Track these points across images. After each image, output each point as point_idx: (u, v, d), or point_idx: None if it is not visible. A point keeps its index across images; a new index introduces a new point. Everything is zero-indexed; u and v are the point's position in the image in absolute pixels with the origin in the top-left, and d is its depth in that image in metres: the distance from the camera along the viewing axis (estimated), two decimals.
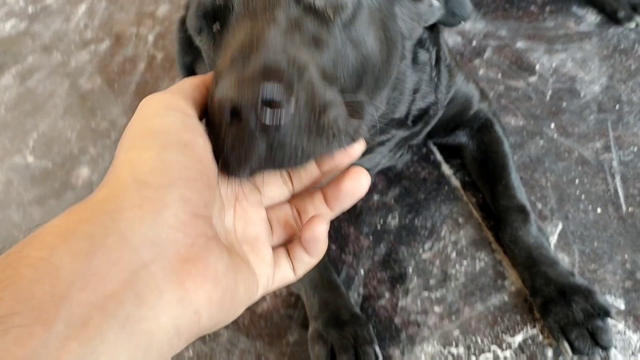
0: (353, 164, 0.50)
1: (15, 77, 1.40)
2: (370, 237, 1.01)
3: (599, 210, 0.97)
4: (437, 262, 0.96)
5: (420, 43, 0.78)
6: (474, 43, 1.24)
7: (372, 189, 1.06)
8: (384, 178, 1.07)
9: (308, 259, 0.49)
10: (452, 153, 1.08)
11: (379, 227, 1.02)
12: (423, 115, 0.87)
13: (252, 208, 0.49)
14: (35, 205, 1.15)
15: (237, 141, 0.42)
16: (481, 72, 1.18)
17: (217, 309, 0.38)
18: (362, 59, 0.57)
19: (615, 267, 0.91)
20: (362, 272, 0.97)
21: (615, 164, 1.01)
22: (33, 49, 1.45)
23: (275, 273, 0.47)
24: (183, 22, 0.72)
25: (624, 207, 0.97)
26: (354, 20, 0.57)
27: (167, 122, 0.40)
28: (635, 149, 1.02)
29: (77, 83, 1.36)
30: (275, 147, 0.42)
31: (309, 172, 0.51)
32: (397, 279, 0.95)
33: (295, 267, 0.49)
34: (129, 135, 0.41)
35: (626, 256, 0.92)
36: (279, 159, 0.43)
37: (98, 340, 0.31)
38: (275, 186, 0.51)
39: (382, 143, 0.87)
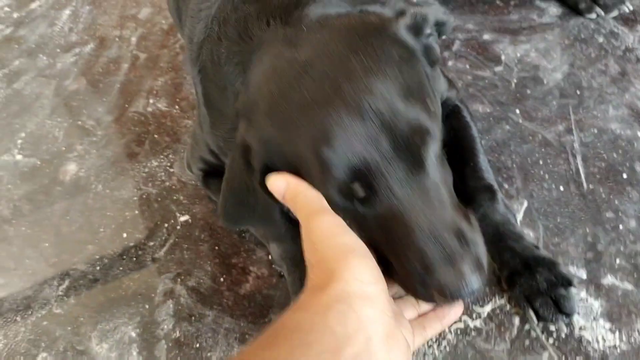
0: None
1: (2, 80, 1.44)
2: None
3: (561, 188, 1.03)
4: None
5: None
6: (443, 37, 1.29)
7: None
8: None
9: (439, 327, 0.72)
10: None
11: None
12: None
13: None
14: (24, 201, 1.19)
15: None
16: (450, 63, 1.24)
17: None
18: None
19: (577, 240, 0.97)
20: None
21: (576, 145, 1.07)
22: (19, 53, 1.49)
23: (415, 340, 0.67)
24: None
25: (585, 185, 1.02)
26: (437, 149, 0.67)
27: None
28: (595, 130, 1.09)
29: (62, 84, 1.40)
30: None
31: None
32: None
33: (427, 333, 0.71)
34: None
35: (587, 230, 0.97)
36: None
37: None
38: (410, 309, 0.72)
39: None
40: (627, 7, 1.24)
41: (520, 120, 1.12)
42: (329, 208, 0.63)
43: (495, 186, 0.99)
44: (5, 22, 1.59)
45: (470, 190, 1.00)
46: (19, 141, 1.30)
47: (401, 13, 0.71)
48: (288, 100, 0.64)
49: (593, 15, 1.25)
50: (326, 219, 0.61)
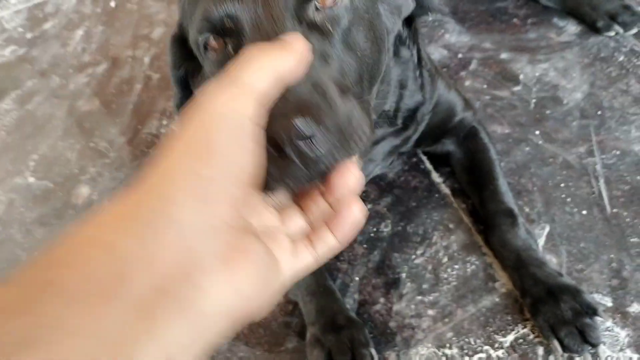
0: None
1: (15, 101, 1.44)
2: (364, 244, 1.04)
3: (584, 212, 1.00)
4: (430, 267, 0.99)
5: (400, 40, 0.84)
6: (460, 56, 1.28)
7: (365, 198, 1.09)
8: (376, 187, 1.10)
9: (333, 241, 0.52)
10: (441, 161, 1.11)
11: (372, 235, 1.04)
12: (412, 116, 0.93)
13: (264, 209, 0.52)
14: (37, 225, 1.18)
15: (279, 166, 0.48)
16: (467, 83, 1.22)
17: (258, 294, 0.42)
18: (359, 61, 0.63)
19: (602, 266, 0.94)
20: (357, 279, 1.00)
21: (598, 167, 1.05)
22: (32, 74, 1.49)
23: (297, 260, 0.51)
24: (176, 38, 0.76)
25: (608, 209, 1.00)
26: (349, 27, 0.63)
27: (228, 125, 0.42)
28: (618, 152, 1.06)
29: (75, 105, 1.40)
30: (311, 166, 0.48)
31: (321, 207, 0.54)
32: (391, 285, 0.98)
33: (317, 249, 0.52)
34: (187, 127, 0.42)
35: (612, 255, 0.95)
36: (314, 173, 0.49)
37: (160, 319, 0.34)
38: (296, 219, 0.54)
39: (376, 142, 0.90)
40: None
41: (541, 142, 1.10)
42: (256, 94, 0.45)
43: (516, 210, 0.97)
44: (19, 42, 1.59)
45: (489, 214, 0.98)
46: (32, 163, 1.30)
47: None
48: None
49: (612, 33, 1.23)
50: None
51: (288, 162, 0.48)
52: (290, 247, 0.50)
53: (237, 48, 0.60)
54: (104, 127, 1.33)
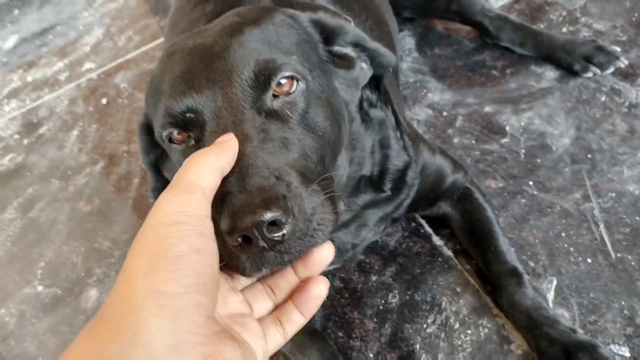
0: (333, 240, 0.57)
1: (17, 209, 1.46)
2: (375, 318, 1.03)
3: (589, 260, 1.00)
4: (443, 335, 0.98)
5: (370, 103, 0.85)
6: (445, 113, 1.30)
7: (370, 270, 1.09)
8: (379, 257, 1.10)
9: (300, 319, 0.56)
10: (440, 223, 1.11)
11: (381, 308, 1.04)
12: (402, 178, 0.92)
13: (230, 294, 0.54)
14: (49, 334, 1.18)
15: (247, 254, 0.51)
16: (456, 140, 1.24)
17: None
18: (320, 140, 0.65)
19: (615, 315, 0.93)
20: (371, 356, 0.99)
21: (596, 212, 1.05)
22: (32, 180, 1.52)
23: (267, 342, 0.53)
24: (143, 126, 0.78)
25: (612, 254, 0.99)
26: (306, 110, 0.64)
27: (183, 231, 0.43)
28: (613, 194, 1.06)
29: (77, 207, 1.42)
30: (278, 252, 0.52)
31: (289, 282, 0.57)
32: (407, 358, 0.97)
33: (285, 329, 0.55)
34: (143, 241, 0.44)
35: (623, 302, 0.94)
36: (282, 260, 0.53)
37: None
38: (262, 300, 0.57)
39: (365, 207, 0.91)
40: (622, 62, 1.24)
41: (536, 192, 1.11)
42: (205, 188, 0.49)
43: (520, 268, 0.97)
44: (16, 150, 1.63)
45: (494, 276, 0.98)
46: (39, 272, 1.31)
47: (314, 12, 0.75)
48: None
49: (589, 74, 1.25)
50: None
51: (261, 251, 0.51)
52: (261, 331, 0.53)
53: (199, 139, 0.62)
54: (107, 226, 1.35)
